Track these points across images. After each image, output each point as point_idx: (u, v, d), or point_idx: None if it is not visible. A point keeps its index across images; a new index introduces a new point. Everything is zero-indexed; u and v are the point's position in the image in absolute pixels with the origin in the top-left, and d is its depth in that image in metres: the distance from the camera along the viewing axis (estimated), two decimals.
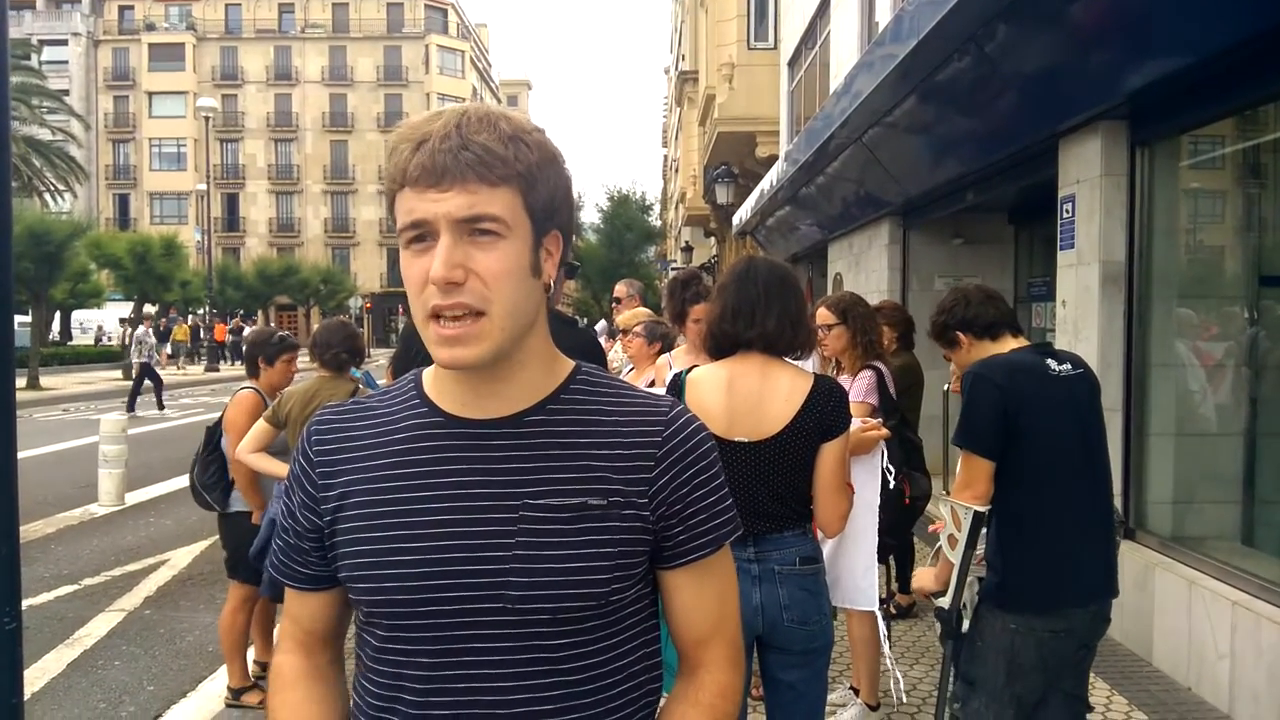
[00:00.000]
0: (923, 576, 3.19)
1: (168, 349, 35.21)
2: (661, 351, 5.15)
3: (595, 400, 1.35)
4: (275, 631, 4.66)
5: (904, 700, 4.69)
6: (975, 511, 2.94)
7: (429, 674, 1.27)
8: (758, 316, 2.92)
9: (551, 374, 1.35)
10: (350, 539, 1.31)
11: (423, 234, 1.20)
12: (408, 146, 1.20)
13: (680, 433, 1.34)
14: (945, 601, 3.05)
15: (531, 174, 1.23)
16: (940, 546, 3.13)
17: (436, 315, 1.21)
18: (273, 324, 54.97)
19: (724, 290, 3.00)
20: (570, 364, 1.39)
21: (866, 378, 4.69)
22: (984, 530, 3.01)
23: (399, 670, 1.29)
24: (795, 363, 2.99)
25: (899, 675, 4.53)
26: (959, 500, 2.98)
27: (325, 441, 1.37)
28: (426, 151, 1.18)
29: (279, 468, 4.55)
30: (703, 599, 1.37)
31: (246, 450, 4.61)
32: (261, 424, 4.63)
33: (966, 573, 3.01)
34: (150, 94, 68.69)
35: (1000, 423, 2.92)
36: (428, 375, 1.38)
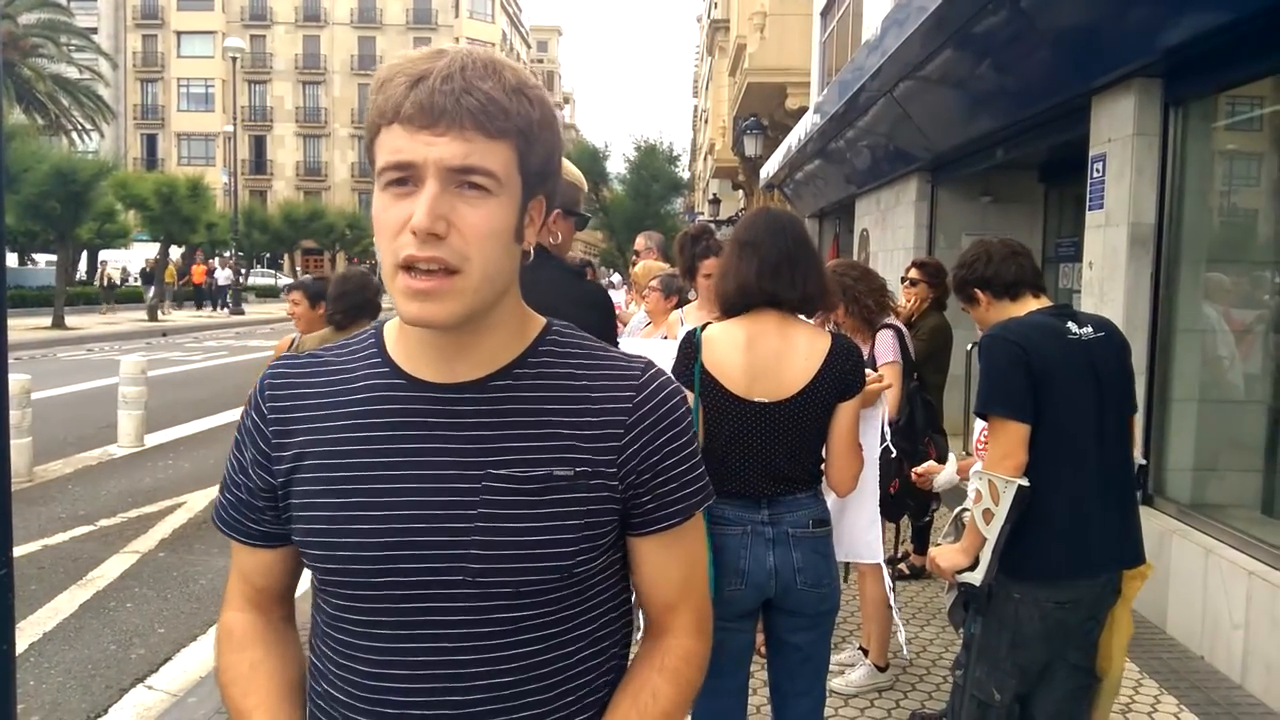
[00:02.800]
0: (951, 555, 3.04)
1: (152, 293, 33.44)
2: (678, 305, 5.08)
3: (564, 363, 1.28)
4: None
5: (906, 653, 4.67)
6: (1020, 485, 2.81)
7: (386, 645, 1.23)
8: (798, 276, 2.86)
9: (520, 336, 1.28)
10: (305, 503, 1.25)
11: (405, 177, 1.12)
12: (404, 80, 1.12)
13: (652, 398, 1.28)
14: (976, 577, 2.95)
15: (531, 131, 1.16)
16: (965, 519, 3.04)
17: (408, 266, 1.12)
18: (298, 269, 55.23)
19: (757, 246, 2.87)
20: (540, 323, 1.32)
21: (889, 337, 4.63)
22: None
23: (354, 640, 1.25)
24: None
25: (901, 625, 4.50)
26: (996, 473, 2.85)
27: (280, 397, 1.30)
28: (425, 90, 1.10)
29: None
30: (671, 566, 1.33)
31: None
32: None
33: (1000, 548, 2.88)
34: (179, 33, 68.59)
35: (1026, 384, 2.82)
36: (389, 331, 1.31)
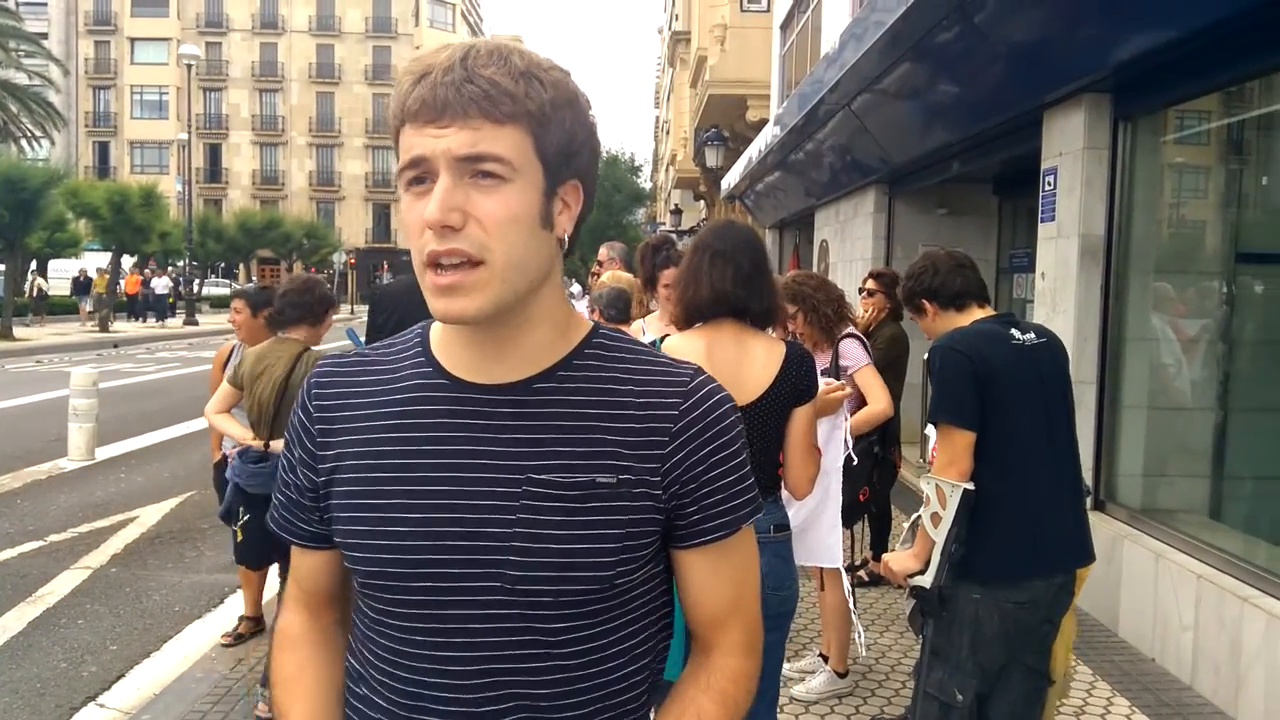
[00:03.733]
0: (902, 559, 3.13)
1: (87, 304, 32.33)
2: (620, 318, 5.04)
3: (610, 367, 1.24)
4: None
5: (864, 653, 4.71)
6: (965, 489, 2.90)
7: (424, 652, 1.20)
8: (765, 289, 2.93)
9: (565, 337, 1.25)
10: (345, 503, 1.24)
11: (422, 174, 1.11)
12: (409, 79, 1.12)
13: (700, 405, 1.23)
14: (926, 580, 3.01)
15: (544, 113, 1.13)
16: (918, 524, 3.10)
17: (434, 263, 1.11)
18: (254, 278, 54.67)
19: (732, 256, 2.92)
20: (587, 325, 1.29)
21: (855, 344, 4.69)
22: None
23: (394, 645, 1.22)
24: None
25: (861, 629, 4.54)
26: (943, 478, 2.94)
27: (325, 396, 1.29)
28: (428, 84, 1.10)
29: (236, 429, 4.55)
30: (718, 581, 1.29)
31: (212, 410, 4.59)
32: (225, 385, 4.58)
33: (949, 551, 2.97)
34: (132, 40, 67.72)
35: (974, 393, 2.91)
36: (435, 330, 1.29)
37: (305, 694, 1.33)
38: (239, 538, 4.60)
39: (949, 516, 2.93)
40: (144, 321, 35.10)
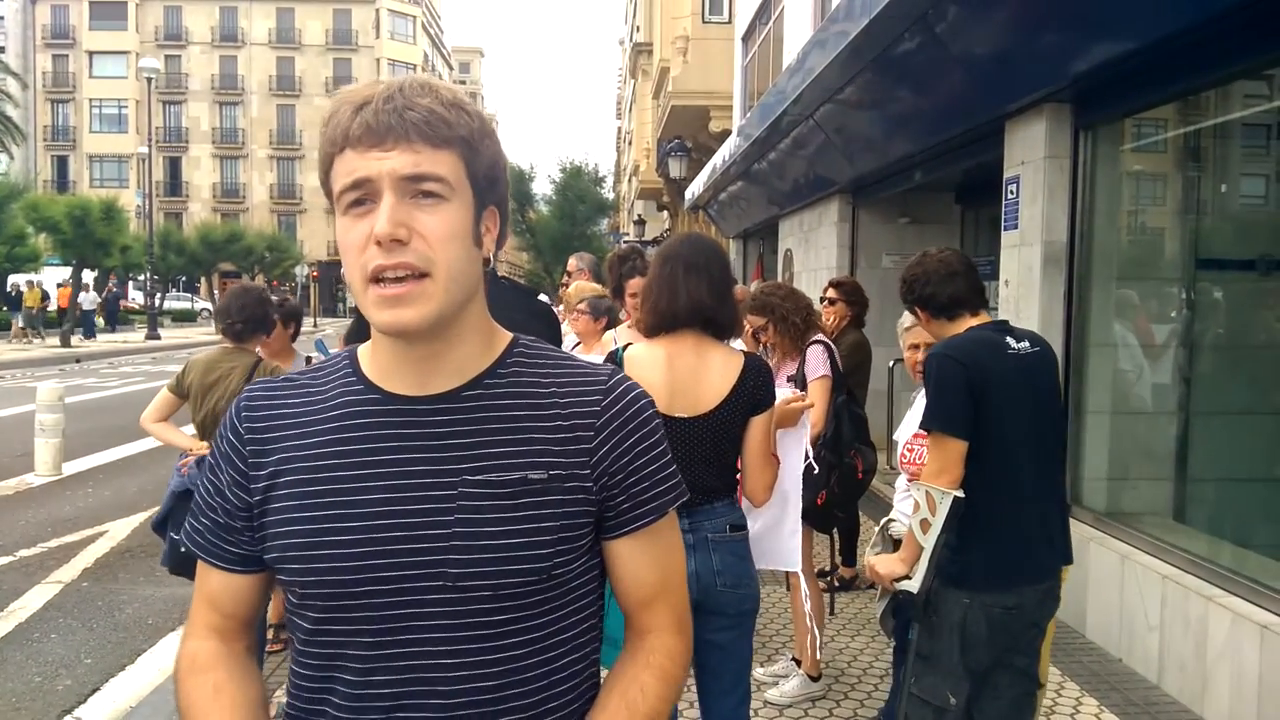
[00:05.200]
0: (889, 563, 3.15)
1: (19, 320, 30.75)
2: (608, 327, 5.14)
3: (533, 372, 1.33)
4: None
5: (820, 655, 4.75)
6: (955, 497, 2.92)
7: (368, 653, 1.25)
8: (732, 301, 3.06)
9: (489, 348, 1.33)
10: (281, 519, 1.28)
11: (362, 197, 1.18)
12: (348, 109, 1.19)
13: (620, 400, 1.33)
14: (914, 585, 3.04)
15: (474, 140, 1.23)
16: (891, 530, 3.15)
17: (377, 278, 1.18)
18: (215, 292, 54.11)
19: (705, 269, 3.01)
20: (508, 337, 1.37)
21: (819, 351, 4.75)
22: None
23: (336, 651, 1.27)
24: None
25: (817, 633, 4.57)
26: (934, 485, 2.97)
27: (255, 417, 1.33)
28: (370, 111, 1.17)
29: (180, 438, 4.52)
30: (648, 565, 1.36)
31: (149, 419, 4.52)
32: (164, 393, 4.54)
33: (936, 557, 3.00)
34: (90, 53, 67.08)
35: (969, 402, 2.94)
36: (363, 352, 1.35)
37: (226, 714, 1.31)
38: (184, 548, 4.51)
39: (938, 523, 2.95)
40: (81, 337, 31.49)
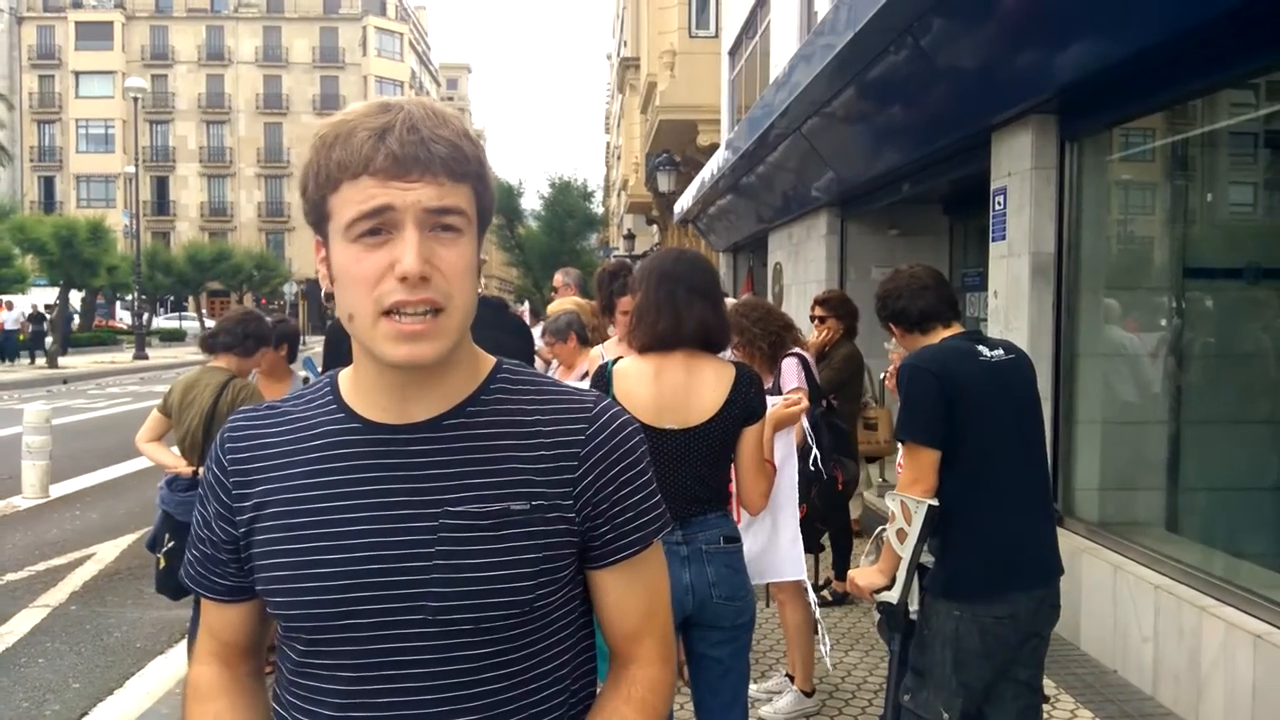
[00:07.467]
0: (867, 574, 3.17)
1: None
2: (580, 340, 5.06)
3: (516, 399, 1.31)
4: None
5: (828, 661, 4.73)
6: (930, 506, 2.94)
7: (349, 688, 1.23)
8: (726, 318, 3.11)
9: (473, 375, 1.31)
10: (266, 550, 1.27)
11: (378, 226, 1.15)
12: (366, 134, 1.15)
13: (605, 429, 1.31)
14: (893, 596, 3.06)
15: (483, 174, 1.23)
16: (884, 540, 3.14)
17: (393, 311, 1.16)
18: (203, 311, 54.06)
19: (705, 292, 3.04)
20: (491, 361, 1.35)
21: (794, 364, 4.74)
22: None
23: (319, 684, 1.26)
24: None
25: (827, 647, 4.55)
26: (908, 495, 2.99)
27: (239, 450, 1.32)
28: (395, 141, 1.14)
29: (168, 458, 4.59)
30: (633, 596, 1.35)
31: (142, 439, 4.68)
32: (155, 413, 4.66)
33: (915, 567, 3.02)
34: (77, 73, 66.98)
35: (941, 412, 2.95)
36: (344, 379, 1.33)
37: None
38: (161, 565, 4.48)
39: (914, 533, 2.98)
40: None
